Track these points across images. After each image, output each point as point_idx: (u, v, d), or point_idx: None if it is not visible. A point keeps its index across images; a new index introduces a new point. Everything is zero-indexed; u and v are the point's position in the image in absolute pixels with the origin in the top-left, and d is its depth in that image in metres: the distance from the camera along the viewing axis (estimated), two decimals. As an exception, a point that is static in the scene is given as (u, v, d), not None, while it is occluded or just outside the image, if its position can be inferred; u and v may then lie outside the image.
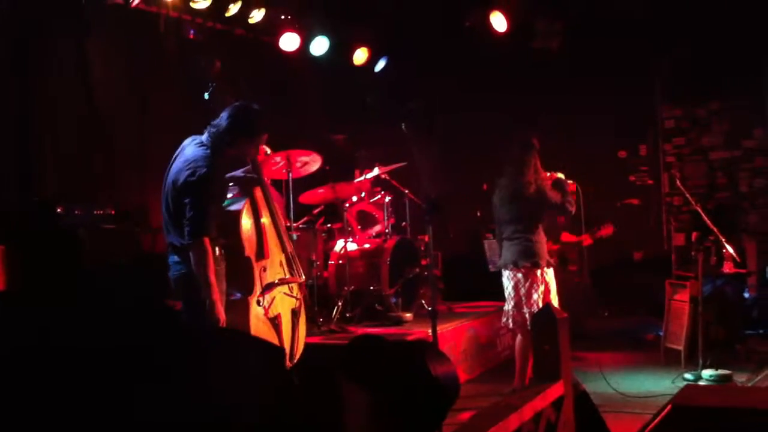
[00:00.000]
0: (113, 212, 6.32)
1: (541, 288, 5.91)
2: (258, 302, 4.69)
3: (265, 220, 4.91)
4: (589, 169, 7.17)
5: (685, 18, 9.20)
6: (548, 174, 6.12)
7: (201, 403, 2.29)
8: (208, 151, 4.39)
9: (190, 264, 4.32)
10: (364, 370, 2.72)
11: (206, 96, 4.90)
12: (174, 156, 4.49)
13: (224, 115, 4.50)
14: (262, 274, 4.77)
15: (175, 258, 4.42)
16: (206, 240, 4.28)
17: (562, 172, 6.18)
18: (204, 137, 4.49)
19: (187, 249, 4.31)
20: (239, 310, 4.58)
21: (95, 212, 6.24)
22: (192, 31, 7.94)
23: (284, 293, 4.96)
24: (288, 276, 5.00)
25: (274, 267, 4.91)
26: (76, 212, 6.09)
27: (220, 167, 4.49)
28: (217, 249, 4.42)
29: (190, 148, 4.43)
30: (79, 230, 5.97)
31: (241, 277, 4.62)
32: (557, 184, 6.08)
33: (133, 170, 7.34)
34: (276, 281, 4.85)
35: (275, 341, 4.76)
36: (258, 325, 4.68)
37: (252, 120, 4.56)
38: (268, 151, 6.55)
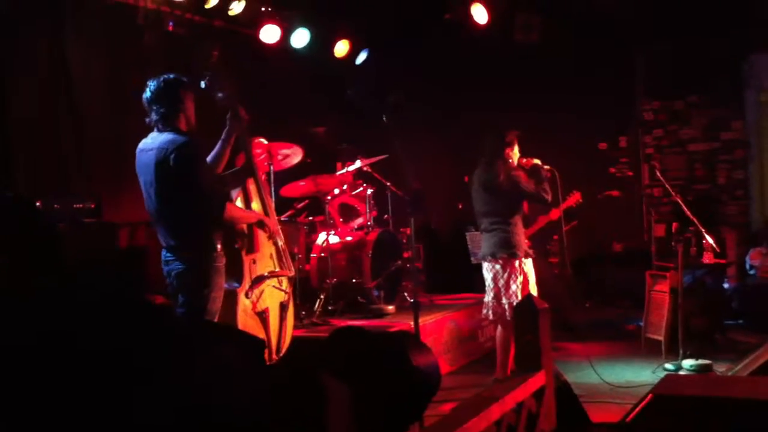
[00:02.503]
0: (93, 206, 6.26)
1: (520, 278, 5.94)
2: (246, 295, 4.69)
3: (257, 211, 4.91)
4: (569, 161, 7.19)
5: (665, 11, 9.24)
6: (524, 160, 6.15)
7: (180, 397, 2.28)
8: (172, 133, 4.35)
9: (188, 260, 4.33)
10: (346, 363, 2.72)
11: (202, 85, 4.83)
12: (139, 162, 4.42)
13: (152, 94, 4.42)
14: (252, 266, 4.76)
15: (170, 255, 4.39)
16: (228, 205, 4.41)
17: (539, 158, 6.20)
18: (155, 130, 4.42)
19: (194, 239, 4.35)
20: (227, 302, 4.58)
21: (75, 206, 6.18)
22: (171, 23, 7.88)
23: (273, 286, 4.95)
24: (278, 269, 4.99)
25: (264, 259, 4.90)
26: (56, 206, 6.03)
27: (195, 141, 4.43)
28: (218, 245, 4.42)
29: (153, 141, 4.37)
30: (59, 225, 5.91)
31: (232, 268, 4.61)
32: (533, 171, 6.11)
33: (111, 165, 7.28)
34: (266, 274, 4.85)
35: (262, 335, 4.75)
36: (245, 319, 4.67)
37: (176, 79, 4.49)
38: (265, 141, 6.54)
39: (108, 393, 2.19)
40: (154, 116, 4.42)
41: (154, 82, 4.45)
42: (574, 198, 7.09)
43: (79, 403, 2.22)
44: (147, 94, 4.44)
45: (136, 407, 2.22)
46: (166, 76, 4.48)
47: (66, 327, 2.41)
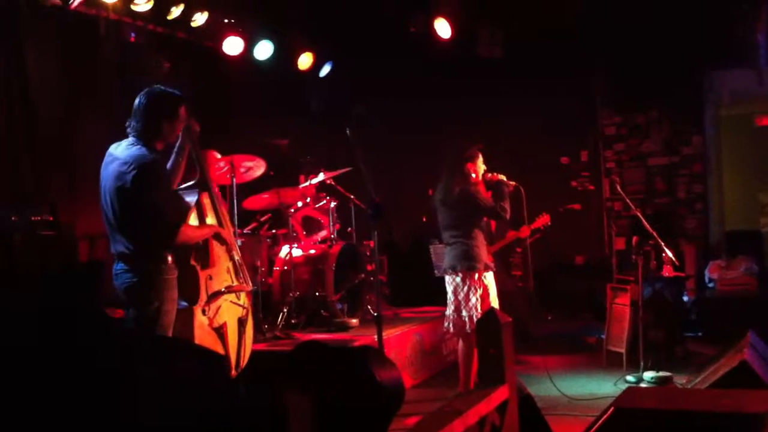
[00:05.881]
0: (51, 218, 6.16)
1: (479, 291, 5.96)
2: (203, 311, 4.61)
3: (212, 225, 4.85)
4: (532, 175, 7.22)
5: (625, 27, 9.36)
6: (489, 175, 6.18)
7: (143, 412, 2.24)
8: (143, 148, 4.31)
9: (138, 272, 4.27)
10: (308, 377, 2.69)
11: None
12: (104, 164, 4.37)
13: (138, 106, 4.38)
14: (208, 282, 4.68)
15: (122, 266, 4.31)
16: (182, 229, 4.36)
17: (504, 173, 6.24)
18: (130, 138, 4.37)
19: (144, 253, 4.28)
20: (183, 319, 4.50)
21: (32, 218, 6.07)
22: (133, 35, 7.80)
23: (231, 301, 4.88)
24: (235, 284, 4.92)
25: (221, 275, 4.83)
26: (13, 218, 5.92)
27: (160, 160, 4.42)
28: (169, 257, 4.35)
29: (122, 151, 4.32)
30: (15, 236, 5.80)
31: (186, 285, 4.53)
32: (497, 186, 6.15)
33: (67, 177, 7.17)
34: (223, 289, 4.77)
35: (220, 351, 4.69)
36: (202, 335, 4.60)
37: (167, 100, 4.46)
38: (218, 155, 6.49)
39: (54, 411, 2.15)
40: (131, 128, 4.39)
41: (146, 93, 4.42)
42: (543, 220, 7.16)
43: (37, 408, 2.17)
44: (137, 100, 4.40)
45: (90, 416, 2.17)
46: (160, 91, 4.45)
47: (22, 338, 2.36)
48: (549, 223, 7.23)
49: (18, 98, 6.88)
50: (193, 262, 4.60)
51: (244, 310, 4.99)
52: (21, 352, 2.34)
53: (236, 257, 4.95)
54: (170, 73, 7.13)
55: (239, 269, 4.96)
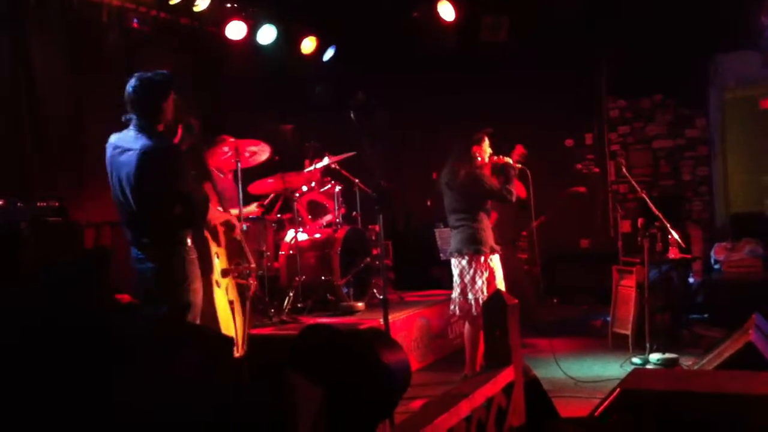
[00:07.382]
0: (57, 204, 6.16)
1: (486, 274, 5.98)
2: (217, 284, 4.71)
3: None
4: (536, 158, 7.21)
5: (631, 9, 9.30)
6: (495, 158, 6.18)
7: (146, 395, 2.25)
8: (153, 136, 4.29)
9: (163, 256, 4.32)
10: (315, 360, 2.70)
11: None
12: (112, 155, 4.36)
13: (133, 94, 4.32)
14: (215, 258, 4.79)
15: (144, 252, 4.35)
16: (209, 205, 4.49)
17: (509, 157, 6.24)
18: (134, 127, 4.33)
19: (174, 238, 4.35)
20: (204, 290, 4.58)
21: (38, 204, 6.08)
22: (135, 21, 7.79)
23: (236, 280, 5.00)
24: (233, 266, 5.03)
25: (222, 256, 4.93)
26: (19, 205, 5.92)
27: (175, 145, 4.47)
28: (189, 240, 4.41)
29: (133, 141, 4.28)
30: (22, 224, 5.80)
31: (200, 258, 4.62)
32: (503, 169, 6.15)
33: (73, 164, 7.17)
34: (231, 267, 4.89)
35: (231, 325, 4.79)
36: (220, 307, 4.70)
37: (159, 83, 4.41)
38: (232, 138, 6.55)
39: (62, 399, 2.16)
40: (133, 117, 4.34)
41: (137, 82, 4.34)
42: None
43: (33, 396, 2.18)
44: (130, 91, 4.34)
45: (93, 400, 2.18)
46: (150, 76, 4.39)
47: (27, 323, 2.37)
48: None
49: (24, 93, 6.88)
50: (206, 234, 4.73)
51: (249, 288, 5.08)
52: (20, 341, 2.35)
53: (238, 239, 5.05)
54: (173, 63, 7.12)
55: (242, 249, 5.05)
